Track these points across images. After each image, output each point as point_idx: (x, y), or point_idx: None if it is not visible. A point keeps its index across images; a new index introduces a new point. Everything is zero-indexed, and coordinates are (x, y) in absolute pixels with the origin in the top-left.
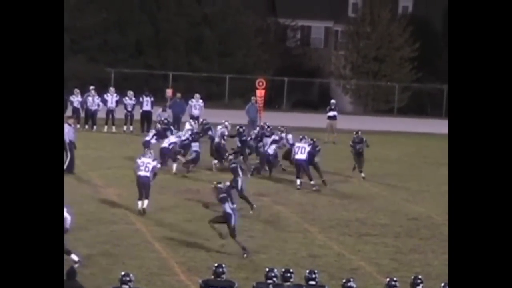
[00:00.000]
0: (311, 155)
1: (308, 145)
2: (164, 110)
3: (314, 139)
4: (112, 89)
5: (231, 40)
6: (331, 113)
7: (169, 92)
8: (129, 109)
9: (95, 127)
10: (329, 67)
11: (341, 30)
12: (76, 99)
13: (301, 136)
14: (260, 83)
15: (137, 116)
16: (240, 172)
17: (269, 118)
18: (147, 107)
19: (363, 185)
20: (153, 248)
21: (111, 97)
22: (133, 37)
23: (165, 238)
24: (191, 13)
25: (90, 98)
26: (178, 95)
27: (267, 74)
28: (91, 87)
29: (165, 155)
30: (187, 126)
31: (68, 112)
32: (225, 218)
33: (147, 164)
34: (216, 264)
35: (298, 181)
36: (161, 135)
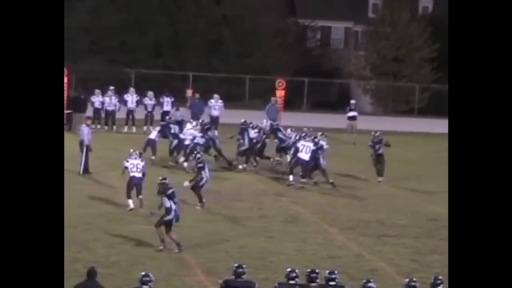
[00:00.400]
0: (314, 154)
1: (314, 145)
2: (177, 109)
3: (323, 134)
4: (132, 89)
5: (251, 41)
6: (351, 114)
7: (189, 92)
8: (149, 109)
9: (114, 127)
10: (349, 68)
11: (361, 30)
12: (97, 99)
13: (303, 133)
14: (280, 84)
15: (157, 116)
16: (206, 172)
17: (289, 119)
18: (167, 107)
19: (383, 186)
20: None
21: (131, 98)
22: (152, 37)
23: (185, 238)
24: (210, 14)
25: (107, 99)
26: (197, 95)
27: (286, 74)
28: (111, 88)
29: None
30: (188, 125)
31: (89, 113)
32: (165, 213)
33: (137, 165)
34: (236, 265)
35: (305, 180)
36: (163, 133)
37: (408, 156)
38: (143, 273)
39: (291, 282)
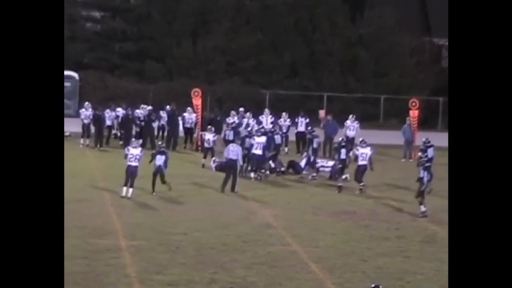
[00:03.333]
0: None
1: (266, 141)
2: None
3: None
4: (267, 110)
5: (386, 61)
6: None
7: (321, 113)
8: (284, 130)
9: None
10: None
11: None
12: (231, 121)
13: (259, 133)
14: (413, 103)
15: (291, 137)
16: None
17: (424, 138)
18: (301, 128)
19: None
20: (310, 269)
21: (266, 118)
22: (288, 58)
23: (322, 259)
24: (346, 34)
25: (245, 119)
26: (329, 116)
27: (422, 94)
28: (240, 109)
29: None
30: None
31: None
32: None
33: (136, 155)
34: (373, 285)
35: (252, 174)
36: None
37: None
38: None
39: None
